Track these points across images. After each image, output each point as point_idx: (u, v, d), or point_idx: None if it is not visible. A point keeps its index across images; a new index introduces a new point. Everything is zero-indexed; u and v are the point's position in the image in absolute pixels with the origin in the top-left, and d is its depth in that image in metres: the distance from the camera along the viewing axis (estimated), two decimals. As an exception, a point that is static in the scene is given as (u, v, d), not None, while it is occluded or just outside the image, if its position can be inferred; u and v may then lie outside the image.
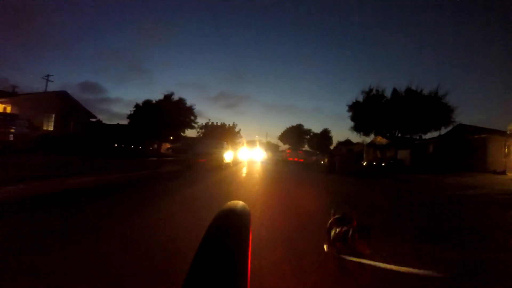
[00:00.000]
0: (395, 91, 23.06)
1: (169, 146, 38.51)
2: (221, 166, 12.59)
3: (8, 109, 21.25)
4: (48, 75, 30.97)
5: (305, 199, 5.62)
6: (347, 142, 48.50)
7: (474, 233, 3.51)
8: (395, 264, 1.02)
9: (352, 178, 11.81)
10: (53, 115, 22.40)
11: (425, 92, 22.04)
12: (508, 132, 21.76)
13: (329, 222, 1.58)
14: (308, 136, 61.58)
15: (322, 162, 28.55)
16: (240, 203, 0.65)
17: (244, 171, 11.86)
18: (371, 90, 23.99)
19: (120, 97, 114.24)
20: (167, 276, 1.77)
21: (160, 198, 4.71)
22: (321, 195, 6.30)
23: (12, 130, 10.78)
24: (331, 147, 57.56)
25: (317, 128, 61.12)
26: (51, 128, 22.85)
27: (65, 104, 23.81)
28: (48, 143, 17.17)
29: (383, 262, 1.03)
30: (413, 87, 22.38)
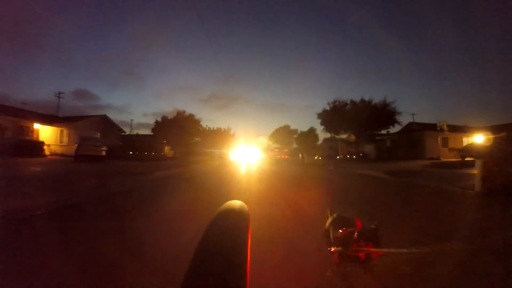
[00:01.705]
0: (352, 101, 29.52)
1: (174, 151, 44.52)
2: (229, 162, 18.68)
3: (65, 132, 27.05)
4: (59, 93, 33.77)
5: (277, 174, 11.58)
6: (332, 139, 53.73)
7: (336, 183, 9.45)
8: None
9: (310, 167, 17.80)
10: (98, 134, 28.14)
11: (375, 101, 28.40)
12: (438, 128, 27.93)
13: (327, 221, 1.35)
14: (295, 135, 67.15)
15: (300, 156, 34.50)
16: (238, 203, 0.65)
17: (243, 164, 17.79)
18: (335, 101, 30.51)
19: (111, 103, 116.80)
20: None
21: (219, 170, 10.69)
22: (283, 171, 12.29)
23: (104, 148, 16.58)
24: (318, 144, 63.27)
25: (308, 126, 66.19)
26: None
27: (105, 124, 29.71)
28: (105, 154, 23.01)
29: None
30: (366, 98, 28.77)
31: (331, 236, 1.19)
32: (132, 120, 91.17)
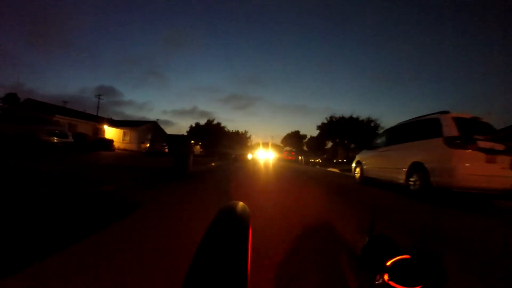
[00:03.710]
0: (343, 117, 36.82)
1: (201, 149, 53.21)
2: (247, 159, 26.47)
3: (127, 133, 35.73)
4: (99, 95, 40.12)
5: (276, 166, 19.10)
6: (336, 145, 60.75)
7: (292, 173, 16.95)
8: None
9: (302, 165, 25.14)
10: (150, 135, 36.73)
11: (362, 118, 35.58)
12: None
13: (364, 241, 1.04)
14: (305, 140, 74.27)
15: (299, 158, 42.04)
16: (240, 203, 0.64)
17: (257, 161, 25.40)
18: (332, 116, 37.93)
19: (133, 100, 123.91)
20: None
21: (240, 163, 18.42)
22: (280, 166, 19.78)
23: (166, 146, 24.68)
24: (326, 148, 70.04)
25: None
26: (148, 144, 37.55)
27: (154, 128, 38.43)
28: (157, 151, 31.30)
29: None
30: (354, 116, 36.04)
31: (373, 261, 0.88)
32: (157, 119, 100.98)
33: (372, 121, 34.25)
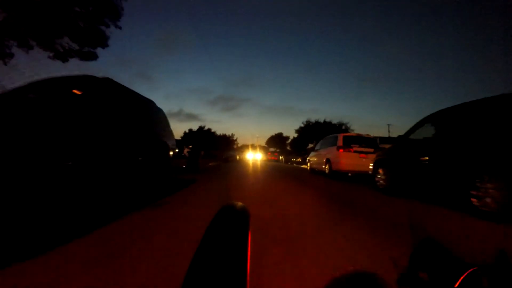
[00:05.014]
0: (317, 121, 42.51)
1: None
2: (236, 160, 31.53)
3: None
4: None
5: (260, 164, 24.26)
6: (315, 145, 66.19)
7: (279, 172, 22.21)
8: None
9: (281, 163, 30.40)
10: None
11: (334, 122, 41.33)
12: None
13: (414, 252, 0.84)
14: (288, 141, 79.94)
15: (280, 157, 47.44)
16: (239, 204, 0.65)
17: (244, 161, 30.46)
18: (308, 121, 43.55)
19: None
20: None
21: (234, 163, 23.48)
22: (263, 165, 24.97)
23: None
24: (308, 148, 75.65)
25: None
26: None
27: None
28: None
29: None
30: (327, 120, 41.79)
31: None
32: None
33: (343, 124, 40.06)
